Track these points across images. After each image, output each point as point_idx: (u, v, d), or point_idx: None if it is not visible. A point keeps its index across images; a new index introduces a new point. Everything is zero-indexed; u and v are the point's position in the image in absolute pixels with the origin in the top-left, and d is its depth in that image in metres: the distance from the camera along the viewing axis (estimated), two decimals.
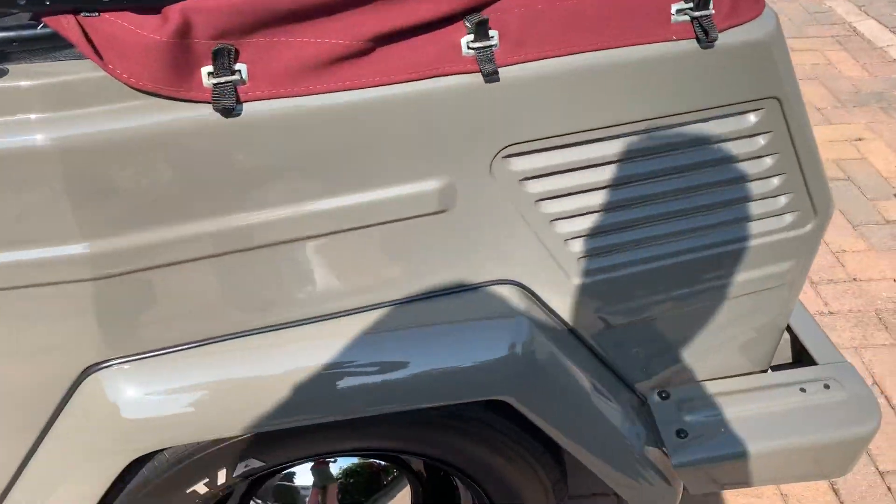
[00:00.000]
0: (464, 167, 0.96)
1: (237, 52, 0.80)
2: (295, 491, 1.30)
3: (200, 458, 1.04)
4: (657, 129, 1.03)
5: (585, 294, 1.17)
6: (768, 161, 1.13)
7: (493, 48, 0.89)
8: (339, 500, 1.31)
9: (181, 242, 0.89)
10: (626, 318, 1.24)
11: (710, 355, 1.37)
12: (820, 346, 1.46)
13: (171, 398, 0.98)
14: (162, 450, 1.04)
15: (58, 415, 0.99)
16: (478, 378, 1.04)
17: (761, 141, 1.10)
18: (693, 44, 0.96)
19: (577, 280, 1.15)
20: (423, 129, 0.91)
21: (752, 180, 1.15)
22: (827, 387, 1.35)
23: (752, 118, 1.07)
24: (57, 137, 0.79)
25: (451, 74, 0.88)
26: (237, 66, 0.80)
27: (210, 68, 0.79)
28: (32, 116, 0.80)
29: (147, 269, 0.90)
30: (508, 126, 0.94)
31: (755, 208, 1.18)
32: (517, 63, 0.91)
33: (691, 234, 1.17)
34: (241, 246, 0.92)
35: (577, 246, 1.11)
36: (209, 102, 0.80)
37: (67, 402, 0.98)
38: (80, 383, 0.97)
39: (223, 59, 0.79)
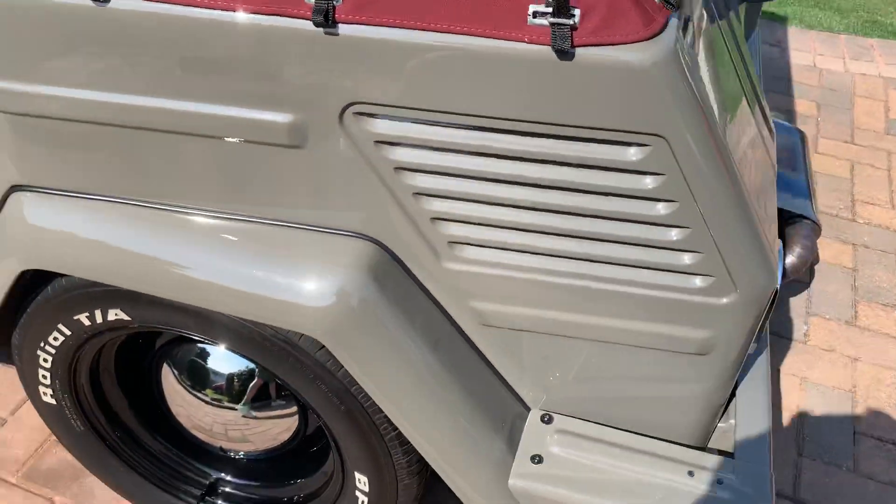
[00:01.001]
0: (313, 112, 1.02)
1: None
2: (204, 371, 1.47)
3: (83, 293, 1.24)
4: (521, 132, 1.01)
5: (457, 281, 1.18)
6: (661, 208, 1.04)
7: (335, 2, 0.94)
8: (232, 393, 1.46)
9: (82, 105, 1.07)
10: (511, 324, 1.22)
11: (617, 402, 1.30)
12: (753, 443, 1.31)
13: (72, 232, 1.19)
14: (60, 276, 1.26)
15: None
16: (287, 307, 1.12)
17: (649, 182, 1.02)
18: (552, 52, 0.93)
19: (447, 264, 1.17)
20: (272, 64, 0.99)
21: (644, 223, 1.07)
22: (720, 482, 1.22)
23: (632, 152, 0.99)
24: None
25: (293, 17, 0.96)
26: None
27: None
28: None
29: (67, 120, 1.09)
30: (351, 83, 0.99)
31: (650, 255, 1.10)
32: (355, 23, 0.95)
33: (574, 257, 1.12)
34: (130, 123, 1.08)
35: (447, 229, 1.12)
36: None
37: None
38: (7, 199, 1.21)
39: None
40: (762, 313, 1.15)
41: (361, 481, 1.35)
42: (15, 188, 1.21)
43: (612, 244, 1.09)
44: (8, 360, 1.46)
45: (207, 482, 1.58)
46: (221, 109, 1.04)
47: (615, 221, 1.06)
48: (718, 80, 1.11)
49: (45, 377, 1.41)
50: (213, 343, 1.31)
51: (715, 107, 1.02)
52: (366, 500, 1.38)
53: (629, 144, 0.99)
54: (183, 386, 1.48)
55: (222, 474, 1.60)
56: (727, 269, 1.09)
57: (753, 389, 1.37)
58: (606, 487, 1.21)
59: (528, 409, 1.34)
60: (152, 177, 1.15)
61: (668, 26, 0.94)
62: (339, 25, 0.95)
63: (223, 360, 1.46)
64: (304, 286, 1.12)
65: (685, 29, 0.99)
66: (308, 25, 0.95)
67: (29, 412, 1.88)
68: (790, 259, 1.36)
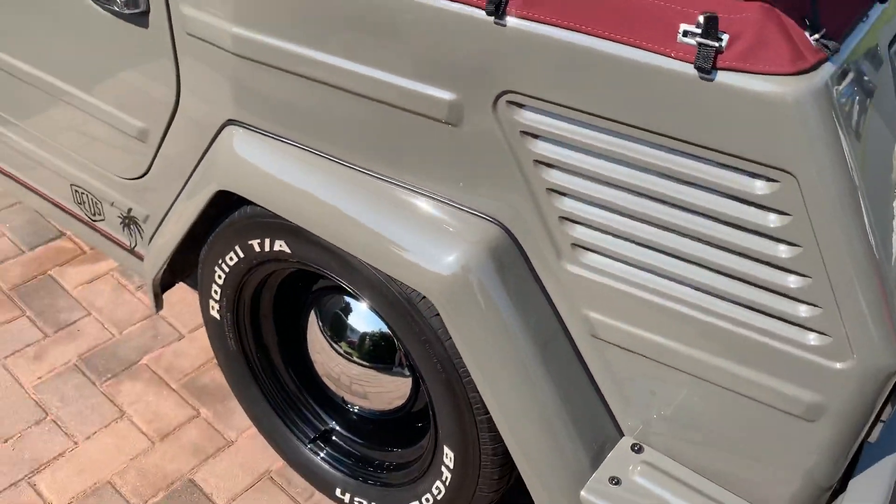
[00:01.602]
0: (471, 94, 1.14)
1: None
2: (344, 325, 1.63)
3: (259, 221, 1.45)
4: (656, 144, 1.05)
5: (574, 286, 1.24)
6: (783, 250, 1.04)
7: (503, 7, 1.05)
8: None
9: (306, 61, 1.27)
10: (619, 342, 1.25)
11: (713, 452, 1.28)
12: None
13: (264, 167, 1.40)
14: (246, 204, 1.47)
15: (207, 150, 1.49)
16: (414, 267, 1.24)
17: (773, 220, 1.02)
18: (695, 70, 0.97)
19: (568, 266, 1.23)
20: (445, 44, 1.13)
21: (763, 262, 1.06)
22: None
23: (759, 185, 1.00)
24: None
25: (471, 5, 1.08)
26: None
27: None
28: None
29: (289, 72, 1.29)
30: (508, 71, 1.09)
31: (765, 298, 1.09)
32: (522, 18, 1.06)
33: (690, 284, 1.14)
34: (332, 82, 1.26)
35: (573, 230, 1.19)
36: None
37: (213, 143, 1.48)
38: (223, 131, 1.45)
39: None
40: (880, 392, 1.09)
41: (448, 456, 1.42)
42: (230, 122, 1.44)
43: (728, 278, 1.09)
44: (195, 285, 1.71)
45: (323, 428, 1.73)
46: (400, 80, 1.19)
47: (734, 255, 1.07)
48: (880, 137, 1.08)
49: (216, 292, 1.63)
50: (356, 297, 1.46)
51: (862, 159, 1.01)
52: (449, 476, 1.45)
53: (758, 176, 1.00)
54: (324, 334, 1.64)
55: (335, 424, 1.74)
56: (846, 331, 1.05)
57: (870, 486, 1.27)
58: None
59: (622, 435, 1.35)
60: (339, 136, 1.32)
61: (822, 68, 0.95)
62: (508, 17, 1.06)
63: (362, 318, 1.61)
64: (432, 252, 1.23)
65: (843, 77, 0.99)
66: (481, 14, 1.07)
67: (203, 334, 2.15)
68: None
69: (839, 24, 1.02)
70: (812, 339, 1.07)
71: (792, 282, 1.04)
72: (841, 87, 0.99)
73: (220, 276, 1.59)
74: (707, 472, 1.28)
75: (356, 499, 1.66)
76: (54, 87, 1.74)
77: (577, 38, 1.03)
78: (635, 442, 1.33)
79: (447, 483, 1.45)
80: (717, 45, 0.94)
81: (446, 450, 1.42)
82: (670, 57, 0.97)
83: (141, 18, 1.44)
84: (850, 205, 0.97)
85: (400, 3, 1.12)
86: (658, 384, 1.25)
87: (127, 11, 1.42)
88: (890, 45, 1.16)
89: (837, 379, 1.08)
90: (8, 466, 1.82)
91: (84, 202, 1.93)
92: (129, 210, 1.81)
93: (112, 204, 1.84)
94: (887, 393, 1.11)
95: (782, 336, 1.09)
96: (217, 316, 1.67)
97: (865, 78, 1.06)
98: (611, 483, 1.26)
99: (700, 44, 0.95)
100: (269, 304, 1.65)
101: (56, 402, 1.97)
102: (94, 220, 1.95)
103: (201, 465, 1.85)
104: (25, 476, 1.81)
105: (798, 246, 1.02)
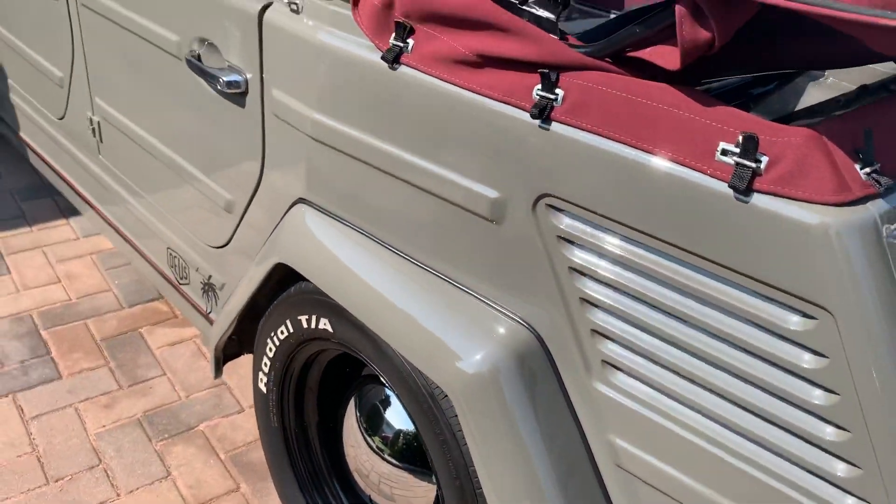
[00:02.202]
0: (514, 194, 1.15)
1: (412, 29, 1.20)
2: (381, 418, 1.61)
3: (309, 298, 1.48)
4: (691, 265, 1.01)
5: (601, 406, 1.18)
6: (818, 396, 0.95)
7: (554, 103, 1.07)
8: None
9: (371, 150, 1.33)
10: (644, 476, 1.17)
11: None
12: None
13: (330, 252, 1.44)
14: (299, 282, 1.52)
15: (277, 225, 1.56)
16: (437, 358, 1.22)
17: (808, 360, 0.94)
18: (730, 190, 0.93)
19: (596, 384, 1.17)
20: (495, 144, 1.15)
21: (797, 407, 0.97)
22: None
23: (795, 320, 0.93)
24: None
25: (518, 108, 1.10)
26: (408, 41, 1.21)
27: (393, 35, 1.22)
28: None
29: (362, 162, 1.35)
30: (549, 175, 1.09)
31: (801, 450, 0.99)
32: (566, 124, 1.06)
33: (720, 421, 1.05)
34: (391, 170, 1.31)
35: (604, 346, 1.14)
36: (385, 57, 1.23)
37: (283, 218, 1.55)
38: (293, 207, 1.52)
39: (401, 31, 1.21)
40: None
41: None
42: (301, 200, 1.51)
43: (759, 418, 1.00)
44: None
45: None
46: (452, 175, 1.21)
47: (766, 393, 0.98)
48: None
49: (265, 365, 1.66)
50: (391, 390, 1.44)
51: None
52: None
53: (794, 310, 0.93)
54: (359, 425, 1.62)
55: None
56: (889, 499, 0.92)
57: None
58: None
59: None
60: (392, 224, 1.35)
61: (871, 203, 0.89)
62: (553, 123, 1.07)
63: (398, 415, 1.58)
64: (459, 347, 1.21)
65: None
66: (527, 117, 1.09)
67: None
68: None
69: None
70: (847, 501, 0.95)
71: (828, 433, 0.94)
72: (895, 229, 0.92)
73: (270, 350, 1.63)
74: None
75: None
76: (165, 155, 1.89)
77: (617, 147, 1.02)
78: None
79: None
80: (754, 165, 0.91)
81: None
82: (706, 174, 0.94)
83: (240, 98, 1.56)
84: (893, 356, 0.88)
85: (446, 98, 1.16)
86: None
87: (229, 91, 1.54)
88: None
89: None
90: (49, 502, 1.87)
91: (175, 265, 2.05)
92: (210, 277, 1.90)
93: (197, 269, 1.95)
94: None
95: (816, 495, 0.97)
96: (264, 389, 1.69)
97: None
98: None
99: (737, 163, 0.92)
100: (315, 383, 1.66)
101: (111, 452, 2.03)
102: (181, 284, 2.06)
103: None
104: None
105: (835, 393, 0.92)
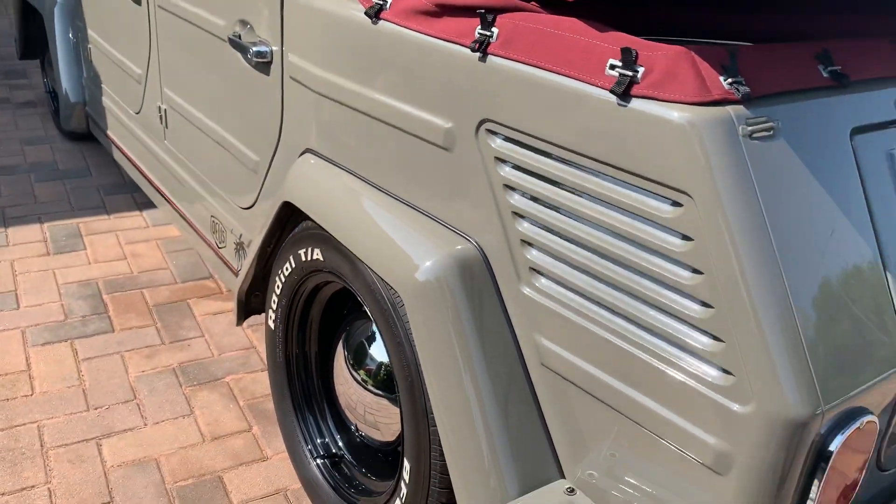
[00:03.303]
0: (462, 123, 1.36)
1: None
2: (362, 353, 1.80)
3: (307, 232, 1.71)
4: (586, 168, 1.18)
5: (528, 309, 1.35)
6: (687, 277, 1.10)
7: (490, 40, 1.28)
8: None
9: (354, 95, 1.57)
10: (561, 371, 1.32)
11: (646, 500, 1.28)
12: None
13: (323, 189, 1.67)
14: (304, 219, 1.75)
15: (282, 174, 1.81)
16: (395, 266, 1.42)
17: (678, 244, 1.09)
18: (615, 98, 1.12)
19: (524, 289, 1.35)
20: (447, 79, 1.36)
21: (672, 288, 1.12)
22: None
23: (666, 207, 1.09)
24: None
25: (464, 46, 1.32)
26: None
27: None
28: None
29: (355, 110, 1.59)
30: (487, 102, 1.30)
31: (676, 328, 1.13)
32: (501, 56, 1.27)
33: (614, 309, 1.20)
34: (369, 111, 1.54)
35: (530, 254, 1.32)
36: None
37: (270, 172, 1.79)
38: (301, 155, 1.77)
39: None
40: (789, 446, 1.06)
41: (406, 469, 1.50)
42: (307, 150, 1.75)
43: (645, 304, 1.15)
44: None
45: (332, 451, 1.86)
46: (416, 111, 1.43)
47: (649, 279, 1.14)
48: (812, 195, 1.12)
49: (274, 302, 1.89)
50: (363, 303, 1.64)
51: (781, 204, 1.06)
52: (405, 492, 1.52)
53: (665, 199, 1.09)
54: (346, 363, 1.82)
55: (342, 447, 1.86)
56: (747, 370, 1.05)
57: None
58: None
59: (563, 477, 1.36)
60: (369, 161, 1.58)
61: (729, 106, 1.06)
62: (489, 56, 1.28)
63: (377, 348, 1.77)
64: (413, 256, 1.41)
65: (762, 125, 1.08)
66: (470, 53, 1.30)
67: None
68: None
69: (767, 83, 1.11)
70: (715, 375, 1.09)
71: (695, 310, 1.09)
72: (756, 131, 1.07)
73: (278, 287, 1.86)
74: None
75: None
76: (209, 127, 2.19)
77: (537, 72, 1.22)
78: (571, 486, 1.33)
79: (403, 500, 1.52)
80: (632, 74, 1.09)
81: (406, 463, 1.50)
82: (598, 87, 1.13)
83: (266, 67, 1.84)
84: (748, 237, 1.03)
85: (413, 45, 1.39)
86: (591, 422, 1.28)
87: (258, 61, 1.82)
88: (855, 133, 1.21)
89: (740, 424, 1.07)
90: (88, 426, 2.13)
91: (216, 230, 2.33)
92: (241, 236, 2.16)
93: (231, 231, 2.21)
94: (812, 447, 1.06)
95: (690, 371, 1.11)
96: (272, 325, 1.92)
97: (801, 140, 1.13)
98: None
99: (620, 74, 1.10)
100: (317, 317, 1.87)
101: (145, 391, 2.29)
102: (220, 248, 2.33)
103: (233, 468, 2.03)
104: (96, 437, 2.10)
105: (700, 273, 1.07)
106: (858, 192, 1.18)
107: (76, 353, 2.43)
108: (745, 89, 1.07)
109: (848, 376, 1.09)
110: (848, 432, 1.09)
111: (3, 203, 3.36)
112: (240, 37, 1.92)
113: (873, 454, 1.25)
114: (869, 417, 1.12)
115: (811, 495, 1.12)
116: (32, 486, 1.92)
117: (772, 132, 1.09)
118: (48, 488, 1.92)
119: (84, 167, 3.76)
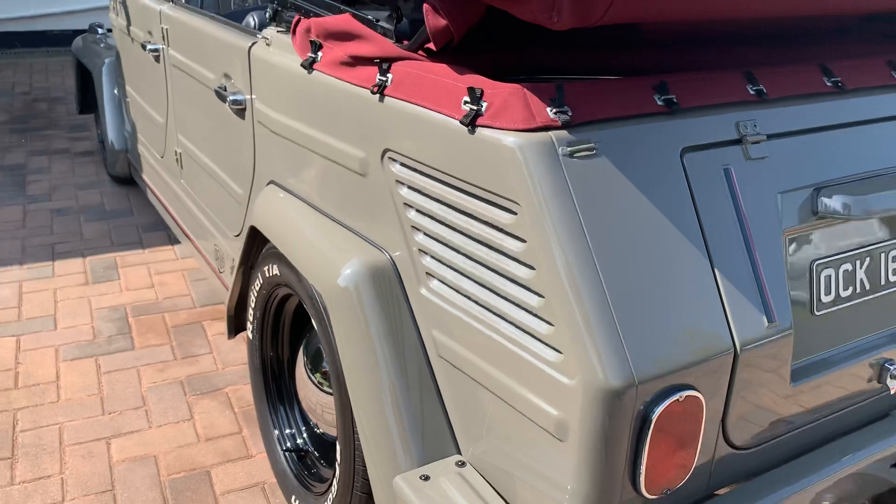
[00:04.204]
0: (371, 153, 1.62)
1: (321, 45, 1.74)
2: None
3: (269, 251, 2.00)
4: (454, 186, 1.43)
5: (426, 307, 1.59)
6: (523, 272, 1.32)
7: (386, 84, 1.55)
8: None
9: (297, 132, 1.86)
10: (451, 358, 1.56)
11: (506, 475, 1.49)
12: None
13: (276, 212, 1.97)
14: (267, 244, 2.04)
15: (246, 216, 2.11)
16: (320, 272, 1.68)
17: (515, 245, 1.32)
18: (465, 127, 1.36)
19: (422, 290, 1.60)
20: (359, 116, 1.64)
21: (515, 282, 1.35)
22: None
23: (505, 215, 1.33)
24: None
25: (369, 90, 1.59)
26: (319, 53, 1.75)
27: (310, 50, 1.77)
28: None
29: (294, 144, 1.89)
30: (387, 135, 1.56)
31: (520, 315, 1.35)
32: (394, 97, 1.53)
33: (483, 303, 1.44)
34: (316, 150, 1.83)
35: (425, 260, 1.57)
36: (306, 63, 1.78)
37: (250, 203, 2.09)
38: (267, 185, 2.07)
39: (314, 47, 1.75)
40: (610, 413, 1.25)
41: (338, 451, 1.74)
42: (272, 181, 2.05)
43: (499, 297, 1.38)
44: None
45: (298, 445, 2.12)
46: (339, 143, 1.71)
47: (501, 276, 1.37)
48: (631, 206, 1.33)
49: (251, 315, 2.18)
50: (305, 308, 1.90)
51: (601, 213, 1.28)
52: (337, 471, 1.76)
53: (504, 209, 1.33)
54: (305, 368, 2.08)
55: (306, 441, 2.11)
56: (572, 348, 1.26)
57: None
58: None
59: (458, 453, 1.58)
60: (311, 187, 1.86)
61: (553, 131, 1.30)
62: (386, 97, 1.55)
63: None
64: (335, 265, 1.67)
65: (584, 146, 1.31)
66: (370, 94, 1.58)
67: None
68: None
69: (594, 112, 1.34)
70: (550, 354, 1.31)
71: (533, 300, 1.31)
72: (576, 152, 1.30)
73: (252, 301, 2.14)
74: (508, 495, 1.47)
75: None
76: (209, 167, 2.52)
77: (416, 109, 1.48)
78: (461, 459, 1.56)
79: (337, 479, 1.76)
80: (477, 108, 1.34)
81: (338, 446, 1.74)
82: (455, 119, 1.39)
83: (242, 113, 2.16)
84: (567, 238, 1.25)
85: (336, 89, 1.67)
86: (475, 403, 1.50)
87: (236, 108, 2.14)
88: (686, 151, 1.42)
89: (570, 395, 1.29)
90: (101, 428, 2.45)
91: (217, 257, 2.65)
92: (233, 260, 2.47)
93: (227, 256, 2.53)
94: (634, 416, 1.25)
95: (534, 351, 1.33)
96: (251, 335, 2.20)
97: (626, 158, 1.35)
98: (420, 479, 1.51)
99: (469, 108, 1.36)
100: (286, 327, 2.14)
101: (154, 399, 2.60)
102: (220, 272, 2.64)
103: (221, 465, 2.31)
104: (106, 437, 2.41)
105: (533, 269, 1.30)
106: (687, 202, 1.39)
107: (99, 367, 2.77)
108: (565, 118, 1.30)
109: (665, 356, 1.29)
110: (665, 403, 1.28)
111: (54, 240, 3.78)
112: (224, 88, 2.25)
113: (717, 429, 1.43)
114: (689, 392, 1.31)
115: (641, 459, 1.31)
116: (49, 476, 2.23)
117: (593, 152, 1.32)
118: (61, 478, 2.23)
119: (127, 208, 4.17)
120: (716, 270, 1.39)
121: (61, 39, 7.86)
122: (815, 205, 1.51)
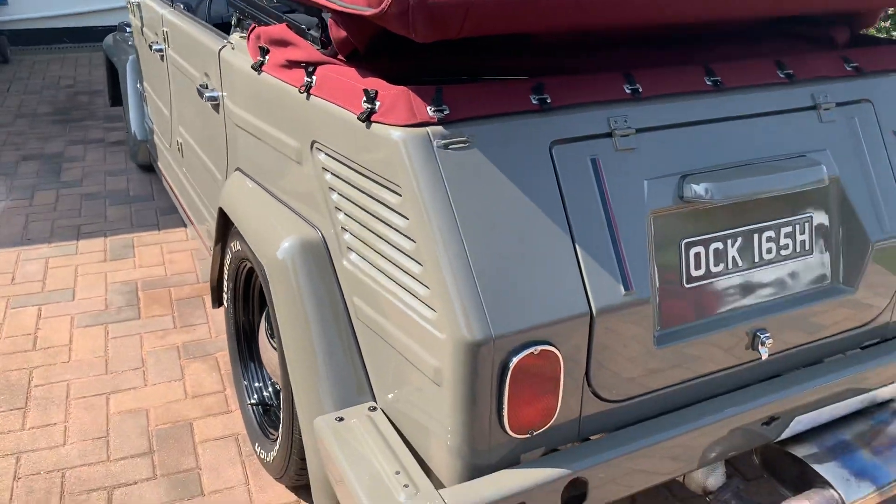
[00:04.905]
0: (303, 143, 1.90)
1: (268, 49, 2.02)
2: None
3: (233, 230, 2.30)
4: (359, 171, 1.69)
5: (346, 277, 1.86)
6: (408, 244, 1.58)
7: (311, 85, 1.82)
8: None
9: (256, 127, 2.15)
10: (365, 320, 1.82)
11: (406, 418, 1.75)
12: None
13: (236, 194, 2.26)
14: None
15: None
16: (264, 244, 1.97)
17: (401, 222, 1.58)
18: (363, 124, 1.62)
19: (344, 262, 1.87)
20: (294, 112, 1.91)
21: (405, 255, 1.61)
22: None
23: (393, 197, 1.59)
24: None
25: (299, 89, 1.87)
26: (266, 57, 2.03)
27: (259, 54, 2.05)
28: None
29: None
30: (313, 129, 1.83)
31: (409, 281, 1.62)
32: (317, 96, 1.80)
33: (385, 272, 1.70)
34: (264, 139, 2.11)
35: (345, 237, 1.84)
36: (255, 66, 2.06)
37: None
38: (233, 173, 2.37)
39: (263, 52, 2.03)
40: (472, 363, 1.50)
41: (281, 399, 2.03)
42: (238, 168, 2.34)
43: (395, 267, 1.64)
44: None
45: (262, 399, 2.41)
46: (281, 135, 1.99)
47: (394, 249, 1.63)
48: (500, 192, 1.58)
49: (226, 287, 2.48)
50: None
51: (471, 197, 1.52)
52: (283, 416, 2.04)
53: (392, 192, 1.59)
54: (265, 332, 2.37)
55: (270, 395, 2.41)
56: (442, 308, 1.52)
57: None
58: (358, 462, 1.65)
59: (374, 400, 1.85)
60: (262, 171, 2.14)
61: (429, 128, 1.55)
62: (311, 96, 1.83)
63: None
64: (276, 240, 1.95)
65: (457, 138, 1.55)
66: (300, 93, 1.85)
67: None
68: None
69: (470, 110, 1.59)
70: (428, 313, 1.56)
71: (415, 268, 1.57)
72: (450, 144, 1.55)
73: (227, 274, 2.44)
74: (409, 434, 1.73)
75: (261, 451, 2.30)
76: (198, 154, 2.83)
77: (333, 107, 1.75)
78: (374, 405, 1.83)
79: (283, 422, 2.05)
80: (372, 107, 1.60)
81: (280, 395, 2.03)
82: (356, 116, 1.65)
83: (217, 108, 2.45)
84: (437, 216, 1.50)
85: (278, 88, 1.95)
86: (384, 357, 1.77)
87: (213, 104, 2.44)
88: (555, 144, 1.65)
89: (442, 347, 1.54)
90: (103, 385, 2.78)
91: (210, 237, 2.96)
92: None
93: (211, 233, 2.83)
94: (494, 366, 1.50)
95: (418, 311, 1.59)
96: (226, 304, 2.50)
97: (497, 149, 1.59)
98: (336, 420, 1.78)
99: (366, 107, 1.62)
100: (257, 295, 2.44)
101: (151, 362, 2.93)
102: (210, 250, 2.95)
103: (202, 418, 2.62)
104: (106, 393, 2.75)
105: (414, 241, 1.56)
106: (553, 187, 1.63)
107: (107, 333, 3.11)
108: (441, 115, 1.55)
109: (521, 316, 1.53)
110: (521, 355, 1.53)
111: (81, 222, 4.16)
112: (205, 86, 2.55)
113: (582, 382, 1.66)
114: (545, 347, 1.56)
115: (503, 403, 1.56)
116: (54, 424, 2.57)
117: (466, 144, 1.57)
118: (65, 426, 2.57)
119: (149, 193, 4.54)
120: (577, 246, 1.62)
121: (105, 35, 8.33)
122: (680, 190, 1.73)
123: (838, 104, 1.98)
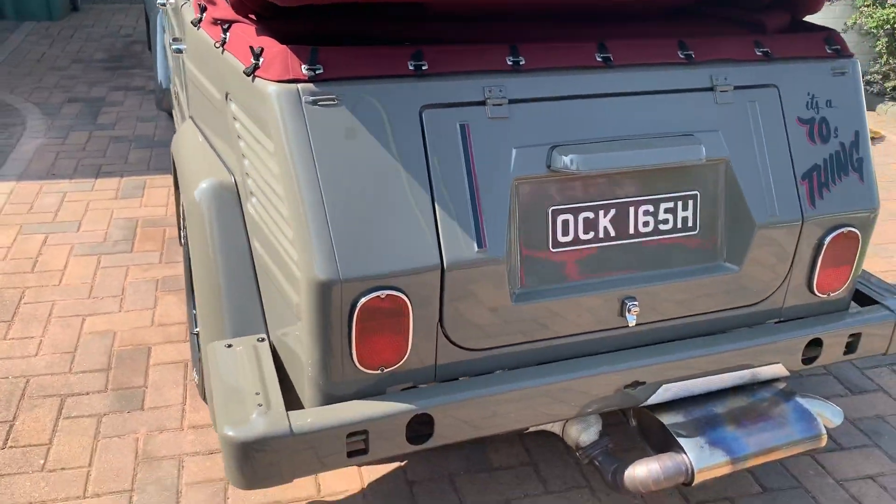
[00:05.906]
0: (222, 92, 2.08)
1: (205, 7, 2.20)
2: None
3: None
4: (252, 118, 1.87)
5: (250, 220, 2.05)
6: (281, 189, 1.75)
7: (225, 40, 1.99)
8: None
9: (199, 81, 2.35)
10: (257, 259, 2.01)
11: (282, 347, 1.93)
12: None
13: (181, 142, 2.48)
14: None
15: None
16: (188, 191, 2.17)
17: (274, 168, 1.75)
18: (248, 77, 1.79)
19: (248, 206, 2.06)
20: (216, 65, 2.09)
21: (279, 197, 1.78)
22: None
23: (270, 144, 1.76)
24: None
25: (214, 40, 2.04)
26: (203, 14, 2.22)
27: (197, 14, 2.23)
28: None
29: None
30: (226, 81, 2.01)
31: (280, 221, 1.79)
32: (229, 51, 1.98)
33: (266, 209, 1.88)
34: (203, 90, 2.31)
35: (249, 181, 2.02)
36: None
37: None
38: (190, 120, 2.58)
39: (201, 8, 2.22)
40: (321, 300, 1.67)
41: (197, 324, 2.25)
42: (190, 117, 2.55)
43: (274, 210, 1.82)
44: None
45: None
46: (211, 87, 2.18)
47: (273, 192, 1.80)
48: (364, 146, 1.72)
49: (182, 224, 2.71)
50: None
51: (336, 147, 1.68)
52: (199, 341, 2.26)
53: (268, 140, 1.76)
54: None
55: None
56: (302, 250, 1.69)
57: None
58: (225, 382, 1.85)
59: (267, 334, 2.05)
60: (200, 117, 2.34)
61: (300, 84, 1.71)
62: (225, 51, 2.00)
63: None
64: (195, 180, 2.15)
65: (330, 95, 1.70)
66: (218, 48, 2.03)
67: None
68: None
69: (343, 71, 1.73)
70: (293, 253, 1.74)
71: (284, 211, 1.74)
72: (318, 100, 1.70)
73: (182, 214, 2.66)
74: (286, 364, 1.92)
75: (195, 374, 2.53)
76: (183, 105, 3.05)
77: (236, 61, 1.92)
78: (263, 337, 2.02)
79: (200, 348, 2.26)
80: (256, 63, 1.77)
81: (197, 321, 2.25)
82: (249, 69, 1.82)
83: (184, 59, 2.66)
84: (299, 164, 1.66)
85: (207, 43, 2.13)
86: (271, 294, 1.95)
87: (176, 53, 2.65)
88: (425, 108, 1.78)
89: (300, 285, 1.71)
90: (83, 307, 3.07)
91: None
92: None
93: None
94: (342, 305, 1.67)
95: (287, 250, 1.76)
96: (182, 241, 2.73)
97: (365, 109, 1.73)
98: (225, 346, 1.98)
99: (253, 63, 1.79)
100: None
101: (131, 291, 3.20)
102: None
103: (161, 344, 2.87)
104: (84, 315, 3.03)
105: (283, 188, 1.73)
106: (418, 148, 1.77)
107: (99, 263, 3.40)
108: (312, 74, 1.71)
109: (371, 263, 1.69)
110: (367, 298, 1.69)
111: (103, 162, 4.48)
112: (178, 39, 2.76)
113: (436, 328, 1.81)
114: (392, 292, 1.71)
115: (352, 340, 1.73)
116: (32, 337, 2.87)
117: (334, 102, 1.72)
118: (40, 340, 2.86)
119: (171, 139, 4.83)
120: (435, 204, 1.76)
121: None
122: (549, 160, 1.84)
123: (738, 87, 2.02)
